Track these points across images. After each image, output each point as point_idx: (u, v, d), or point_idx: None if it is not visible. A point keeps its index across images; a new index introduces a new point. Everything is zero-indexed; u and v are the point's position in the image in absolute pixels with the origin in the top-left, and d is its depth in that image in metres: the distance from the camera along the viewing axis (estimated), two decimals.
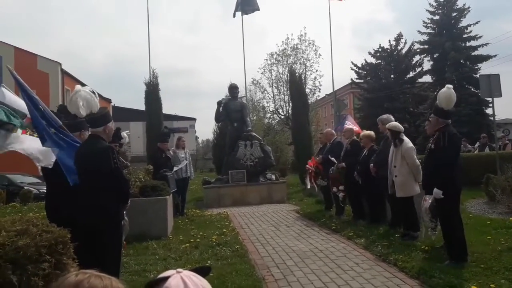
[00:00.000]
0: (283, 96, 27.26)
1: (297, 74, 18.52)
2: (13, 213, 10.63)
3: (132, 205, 4.91)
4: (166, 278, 1.02)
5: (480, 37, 29.80)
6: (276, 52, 27.14)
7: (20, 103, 5.49)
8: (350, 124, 9.86)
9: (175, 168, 9.64)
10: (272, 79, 27.64)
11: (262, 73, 27.99)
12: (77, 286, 0.96)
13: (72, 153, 4.21)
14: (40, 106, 4.51)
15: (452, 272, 4.45)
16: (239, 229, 7.90)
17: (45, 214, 4.67)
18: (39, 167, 4.84)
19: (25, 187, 15.39)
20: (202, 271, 1.10)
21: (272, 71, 27.50)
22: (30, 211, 10.47)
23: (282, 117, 27.81)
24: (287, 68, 25.25)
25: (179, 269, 1.06)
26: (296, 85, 16.68)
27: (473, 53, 29.92)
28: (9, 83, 5.61)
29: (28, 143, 4.79)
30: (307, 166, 9.79)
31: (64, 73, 29.16)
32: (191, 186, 12.71)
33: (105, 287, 0.98)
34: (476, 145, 16.15)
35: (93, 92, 4.29)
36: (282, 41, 28.98)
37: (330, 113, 41.65)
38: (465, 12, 30.27)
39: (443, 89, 5.03)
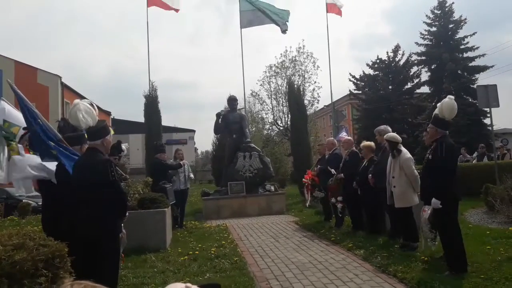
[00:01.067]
0: (282, 107, 27.44)
1: (295, 86, 18.65)
2: (12, 226, 10.57)
3: (131, 217, 4.89)
4: None
5: (477, 48, 30.08)
6: (275, 64, 27.38)
7: (19, 117, 5.52)
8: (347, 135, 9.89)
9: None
10: (271, 91, 27.83)
11: (261, 85, 28.21)
12: None
13: (71, 166, 4.22)
14: (39, 120, 4.53)
15: (452, 282, 4.43)
16: (238, 241, 7.86)
17: (41, 227, 4.65)
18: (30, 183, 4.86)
19: (23, 200, 15.31)
20: None
21: (271, 83, 27.71)
22: (28, 224, 10.41)
23: (281, 128, 27.92)
24: (285, 80, 25.44)
25: (188, 284, 1.05)
26: (294, 97, 16.75)
27: (470, 64, 30.13)
28: (8, 97, 5.65)
29: (29, 166, 4.79)
30: (303, 179, 9.79)
31: (64, 86, 29.29)
32: (190, 198, 12.67)
33: None
34: (474, 155, 16.17)
35: (92, 105, 4.31)
36: (281, 54, 29.21)
37: (329, 124, 41.78)
38: (462, 23, 30.57)
39: (446, 100, 5.04)
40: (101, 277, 3.47)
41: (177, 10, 17.17)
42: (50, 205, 4.60)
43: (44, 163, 4.54)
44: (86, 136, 4.38)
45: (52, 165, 4.48)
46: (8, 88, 4.99)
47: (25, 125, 5.00)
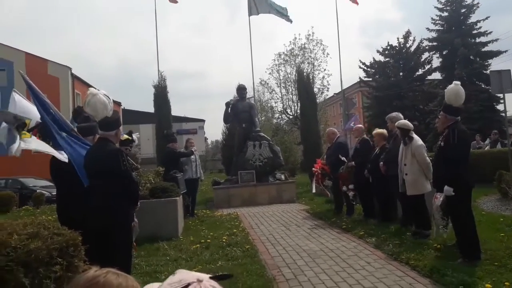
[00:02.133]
0: (291, 96, 27.26)
1: (305, 74, 18.52)
2: (26, 216, 10.74)
3: (143, 206, 4.93)
4: (186, 286, 1.02)
5: (490, 32, 29.54)
6: (283, 52, 27.16)
7: (31, 108, 5.55)
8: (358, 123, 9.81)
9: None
10: (280, 79, 27.66)
11: (270, 73, 28.05)
12: (93, 279, 1.01)
13: (82, 157, 4.25)
14: (51, 110, 4.55)
15: (465, 270, 4.39)
16: (249, 229, 7.90)
17: (57, 217, 4.71)
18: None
19: (37, 191, 15.57)
20: (222, 278, 1.09)
21: (280, 71, 27.52)
22: (42, 214, 10.58)
23: (291, 117, 27.79)
24: (295, 68, 25.23)
25: (200, 278, 1.04)
26: (304, 85, 16.66)
27: (483, 49, 29.63)
28: (20, 88, 5.69)
29: (42, 144, 4.83)
30: (313, 169, 9.74)
31: (74, 77, 29.45)
32: (201, 187, 12.74)
33: (119, 284, 1.01)
34: (487, 141, 15.94)
35: (108, 96, 4.33)
36: (290, 41, 28.98)
37: (339, 112, 41.53)
38: (474, 8, 29.99)
39: (451, 86, 5.00)
40: (114, 265, 3.50)
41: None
42: (64, 195, 4.66)
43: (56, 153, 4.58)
44: (100, 127, 4.39)
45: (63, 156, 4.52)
46: (20, 79, 5.02)
47: (36, 117, 5.03)
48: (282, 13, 17.82)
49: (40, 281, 2.52)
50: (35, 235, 2.70)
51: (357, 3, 19.32)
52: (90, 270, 1.05)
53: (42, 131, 4.89)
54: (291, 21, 18.18)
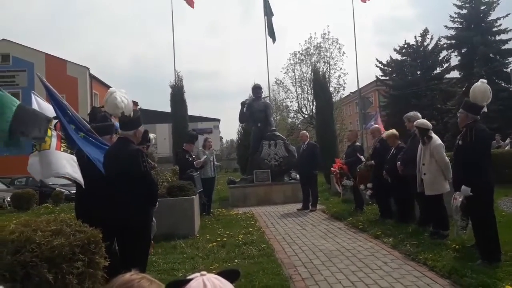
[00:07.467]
0: (306, 95, 27.26)
1: (320, 73, 18.42)
2: (46, 213, 10.98)
3: (160, 205, 4.98)
4: (189, 280, 1.06)
5: (510, 30, 28.93)
6: (299, 52, 27.15)
7: (50, 109, 5.67)
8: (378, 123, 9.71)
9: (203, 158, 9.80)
10: (295, 79, 27.67)
11: (285, 72, 28.09)
12: (128, 283, 1.06)
13: (101, 156, 4.29)
14: (68, 111, 4.63)
15: (484, 271, 4.33)
16: (265, 228, 7.91)
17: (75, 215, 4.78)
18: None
19: (56, 189, 15.86)
20: (229, 275, 1.11)
21: (296, 70, 27.55)
22: (62, 212, 10.78)
23: (306, 116, 27.76)
24: (310, 67, 25.21)
25: (203, 272, 1.08)
26: (320, 84, 16.57)
27: (503, 47, 29.06)
28: (40, 88, 5.81)
29: (67, 164, 4.92)
30: (331, 169, 9.66)
31: (92, 77, 29.91)
32: (216, 186, 12.81)
33: None
34: (507, 141, 15.68)
35: (126, 96, 4.37)
36: (305, 40, 28.85)
37: (355, 111, 41.19)
38: (494, 5, 29.45)
39: (478, 83, 4.95)
40: (131, 263, 3.53)
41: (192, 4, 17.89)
42: (83, 194, 4.71)
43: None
44: (119, 126, 4.43)
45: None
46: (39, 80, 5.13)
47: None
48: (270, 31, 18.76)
49: (63, 277, 2.59)
50: (58, 232, 2.77)
51: (364, 1, 19.44)
52: (127, 273, 1.09)
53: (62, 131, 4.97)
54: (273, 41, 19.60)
